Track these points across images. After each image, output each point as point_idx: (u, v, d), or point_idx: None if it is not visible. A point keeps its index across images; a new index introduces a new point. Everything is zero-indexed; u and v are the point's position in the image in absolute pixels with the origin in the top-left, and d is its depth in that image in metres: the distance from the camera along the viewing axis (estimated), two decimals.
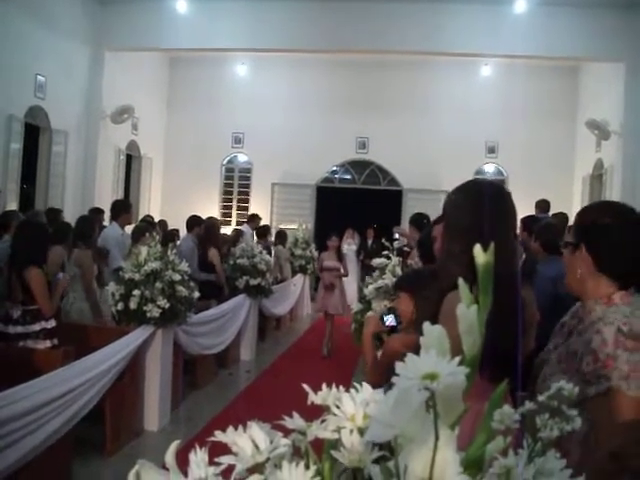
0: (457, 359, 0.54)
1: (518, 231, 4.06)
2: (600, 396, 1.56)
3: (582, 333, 1.69)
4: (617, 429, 1.53)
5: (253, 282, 8.04)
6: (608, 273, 1.69)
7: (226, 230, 11.42)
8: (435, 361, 0.53)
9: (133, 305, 5.11)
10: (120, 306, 5.18)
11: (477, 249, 0.59)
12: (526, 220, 5.47)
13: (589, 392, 1.57)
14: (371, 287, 4.42)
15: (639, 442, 1.55)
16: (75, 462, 4.25)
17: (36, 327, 4.48)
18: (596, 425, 1.52)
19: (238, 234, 10.05)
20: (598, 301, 1.69)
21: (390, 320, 2.78)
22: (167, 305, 5.15)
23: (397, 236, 6.89)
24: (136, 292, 5.12)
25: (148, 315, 5.12)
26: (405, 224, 8.68)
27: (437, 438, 0.54)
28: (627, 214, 1.74)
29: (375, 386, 0.69)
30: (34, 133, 10.52)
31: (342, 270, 9.20)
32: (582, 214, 1.82)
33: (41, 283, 4.53)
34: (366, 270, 7.50)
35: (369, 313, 3.95)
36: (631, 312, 1.60)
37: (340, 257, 9.17)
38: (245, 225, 11.50)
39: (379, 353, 2.84)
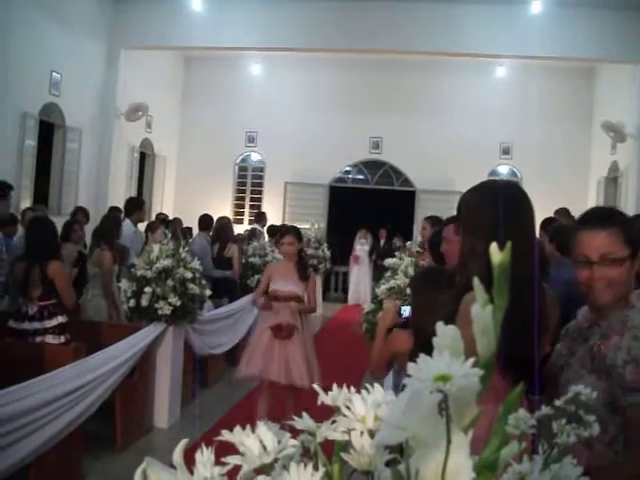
0: (471, 360, 0.53)
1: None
2: None
3: (607, 337, 1.66)
4: None
5: None
6: None
7: (238, 229, 11.45)
8: (448, 362, 0.51)
9: (144, 302, 5.12)
10: (132, 303, 5.20)
11: (493, 248, 0.58)
12: (545, 222, 5.40)
13: (632, 400, 1.55)
14: (383, 287, 4.41)
15: None
16: (85, 458, 4.27)
17: (53, 322, 4.51)
18: (635, 430, 1.51)
19: (252, 233, 10.06)
20: (617, 305, 1.67)
21: (407, 312, 2.73)
22: (178, 303, 5.16)
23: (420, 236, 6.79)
24: (147, 289, 5.13)
25: (159, 312, 5.13)
26: (418, 225, 8.47)
27: (449, 442, 0.52)
28: None
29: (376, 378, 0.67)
30: (49, 130, 10.56)
31: (308, 300, 4.91)
32: (634, 223, 1.81)
33: (65, 276, 4.71)
34: (379, 270, 7.46)
35: (386, 303, 3.91)
36: None
37: (304, 273, 4.88)
38: (255, 224, 11.53)
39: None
